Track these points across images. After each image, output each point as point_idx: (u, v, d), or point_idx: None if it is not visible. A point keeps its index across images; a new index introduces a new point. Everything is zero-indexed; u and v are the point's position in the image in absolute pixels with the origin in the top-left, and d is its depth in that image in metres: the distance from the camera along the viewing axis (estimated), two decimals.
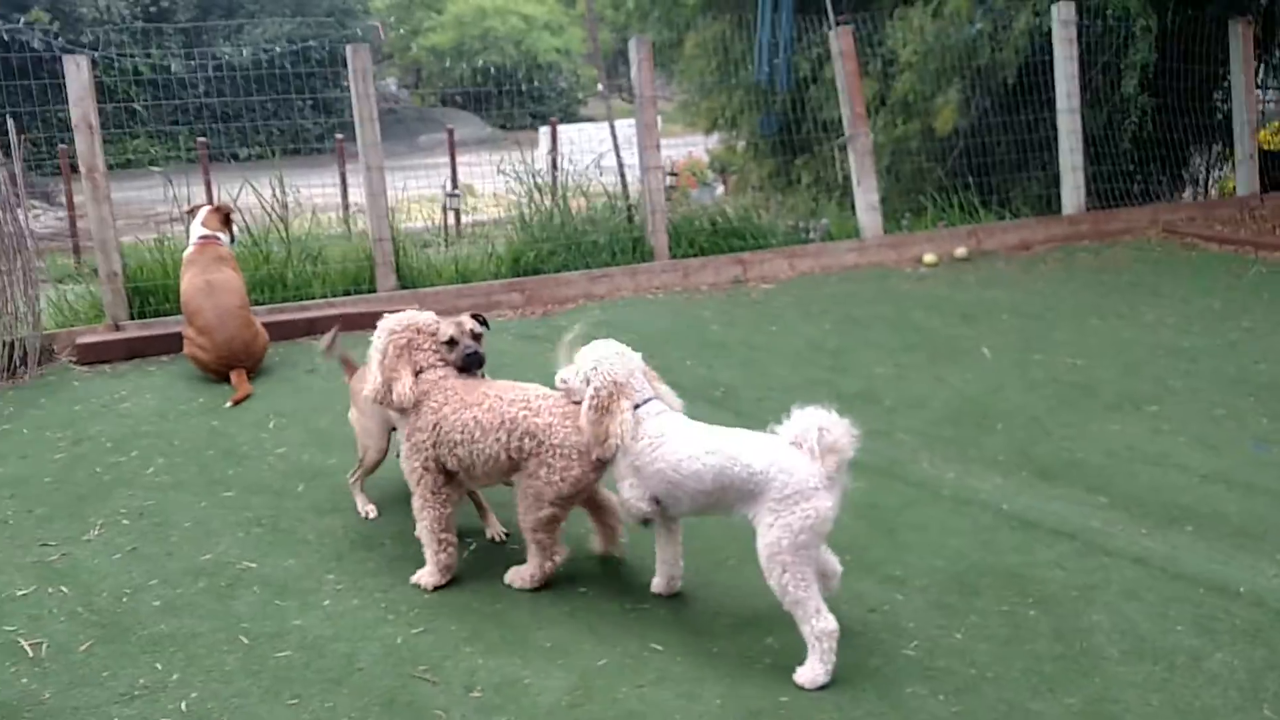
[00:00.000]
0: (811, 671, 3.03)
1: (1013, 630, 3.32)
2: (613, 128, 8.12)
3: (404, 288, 6.86)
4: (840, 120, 8.91)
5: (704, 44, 11.15)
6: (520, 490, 3.51)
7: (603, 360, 3.39)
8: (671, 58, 12.65)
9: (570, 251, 7.31)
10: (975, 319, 6.64)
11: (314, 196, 9.16)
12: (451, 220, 14.64)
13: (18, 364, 5.84)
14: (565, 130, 23.87)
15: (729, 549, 3.81)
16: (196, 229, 5.87)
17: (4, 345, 5.81)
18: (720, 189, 19.34)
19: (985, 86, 8.87)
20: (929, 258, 7.96)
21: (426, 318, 3.76)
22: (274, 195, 7.14)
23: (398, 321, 3.71)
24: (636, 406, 3.34)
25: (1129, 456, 4.68)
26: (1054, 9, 8.42)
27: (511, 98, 35.95)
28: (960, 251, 8.08)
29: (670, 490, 3.27)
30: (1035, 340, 6.22)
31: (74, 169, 14.72)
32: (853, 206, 8.39)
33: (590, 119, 35.60)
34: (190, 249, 5.83)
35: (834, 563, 3.32)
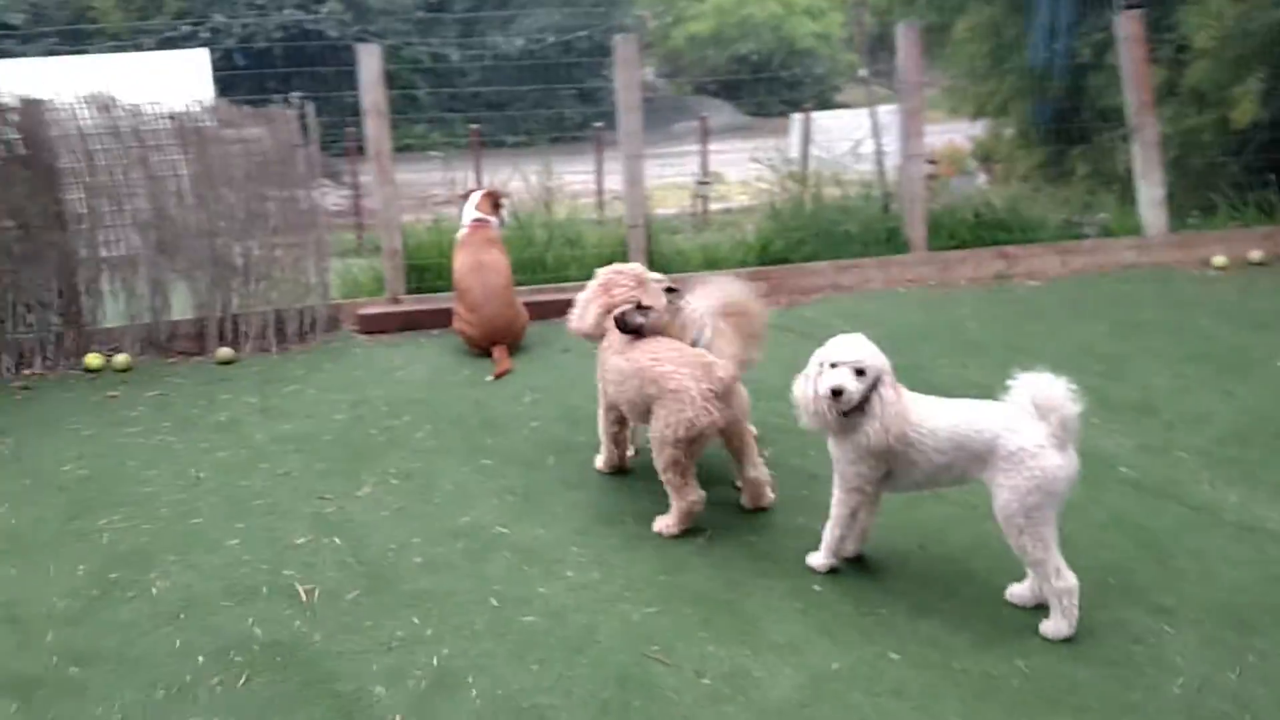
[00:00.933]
0: (1055, 625, 3.21)
1: None
2: (874, 114, 7.91)
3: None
4: (1122, 109, 8.31)
5: (976, 28, 10.67)
6: (651, 435, 3.87)
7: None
8: (938, 41, 12.18)
9: (820, 240, 7.18)
10: (1270, 328, 6.03)
11: (573, 183, 9.48)
12: (701, 207, 14.81)
13: (308, 330, 6.39)
14: (820, 117, 23.53)
15: (976, 561, 3.65)
16: (470, 212, 6.20)
17: (297, 312, 6.37)
18: (982, 178, 18.54)
19: None
20: (1219, 260, 7.28)
21: (634, 269, 4.39)
22: (539, 182, 7.43)
23: (614, 267, 4.40)
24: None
25: None
26: None
27: (765, 85, 35.85)
28: (1255, 255, 7.34)
29: (905, 455, 3.32)
30: None
31: (359, 151, 15.93)
32: (1134, 201, 7.80)
33: (846, 105, 35.01)
34: (463, 230, 6.18)
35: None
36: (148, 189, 6.13)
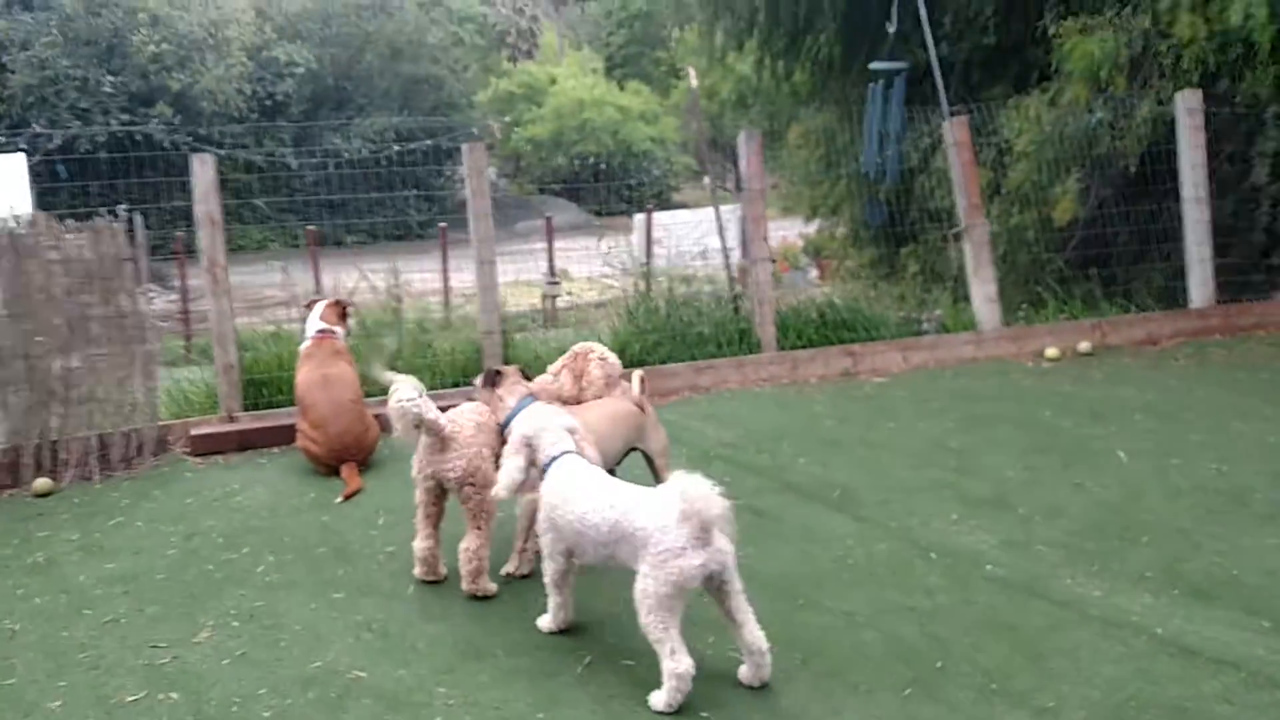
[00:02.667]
0: (659, 697, 3.35)
1: None
2: (719, 216, 8.05)
3: None
4: (948, 209, 8.73)
5: (808, 134, 11.11)
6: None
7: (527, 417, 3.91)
8: (772, 144, 12.65)
9: (675, 342, 7.19)
10: (1106, 418, 6.30)
11: (417, 282, 9.27)
12: (550, 306, 14.78)
13: (134, 454, 5.91)
14: (659, 217, 24.08)
15: (858, 674, 3.56)
16: (314, 323, 5.91)
17: (123, 435, 5.89)
18: (814, 273, 19.26)
19: (1105, 175, 8.59)
20: (1051, 352, 7.64)
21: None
22: (387, 286, 7.20)
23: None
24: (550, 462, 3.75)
25: None
26: (1178, 97, 8.15)
27: (606, 185, 36.71)
28: (1084, 346, 7.73)
29: (578, 541, 3.62)
30: (1173, 443, 5.85)
31: (188, 253, 15.28)
32: (966, 297, 8.14)
33: (684, 205, 36.04)
34: (307, 342, 5.88)
35: (758, 640, 3.44)
36: None
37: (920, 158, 9.70)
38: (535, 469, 3.79)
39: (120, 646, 3.89)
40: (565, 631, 3.88)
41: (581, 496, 3.58)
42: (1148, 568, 4.39)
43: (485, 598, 4.16)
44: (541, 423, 3.83)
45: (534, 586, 4.13)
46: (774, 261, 14.15)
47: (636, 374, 4.74)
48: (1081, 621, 3.96)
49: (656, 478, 4.60)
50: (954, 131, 7.81)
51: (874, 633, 3.88)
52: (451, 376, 6.81)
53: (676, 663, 3.29)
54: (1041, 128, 8.56)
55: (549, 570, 3.78)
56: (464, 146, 6.81)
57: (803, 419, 6.45)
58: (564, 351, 6.92)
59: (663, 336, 7.19)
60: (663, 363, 7.05)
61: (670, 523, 3.29)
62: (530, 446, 3.78)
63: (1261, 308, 8.33)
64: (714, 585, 3.39)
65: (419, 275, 10.56)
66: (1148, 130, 8.34)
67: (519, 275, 14.30)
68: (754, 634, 3.42)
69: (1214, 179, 8.24)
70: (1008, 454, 5.75)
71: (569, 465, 3.71)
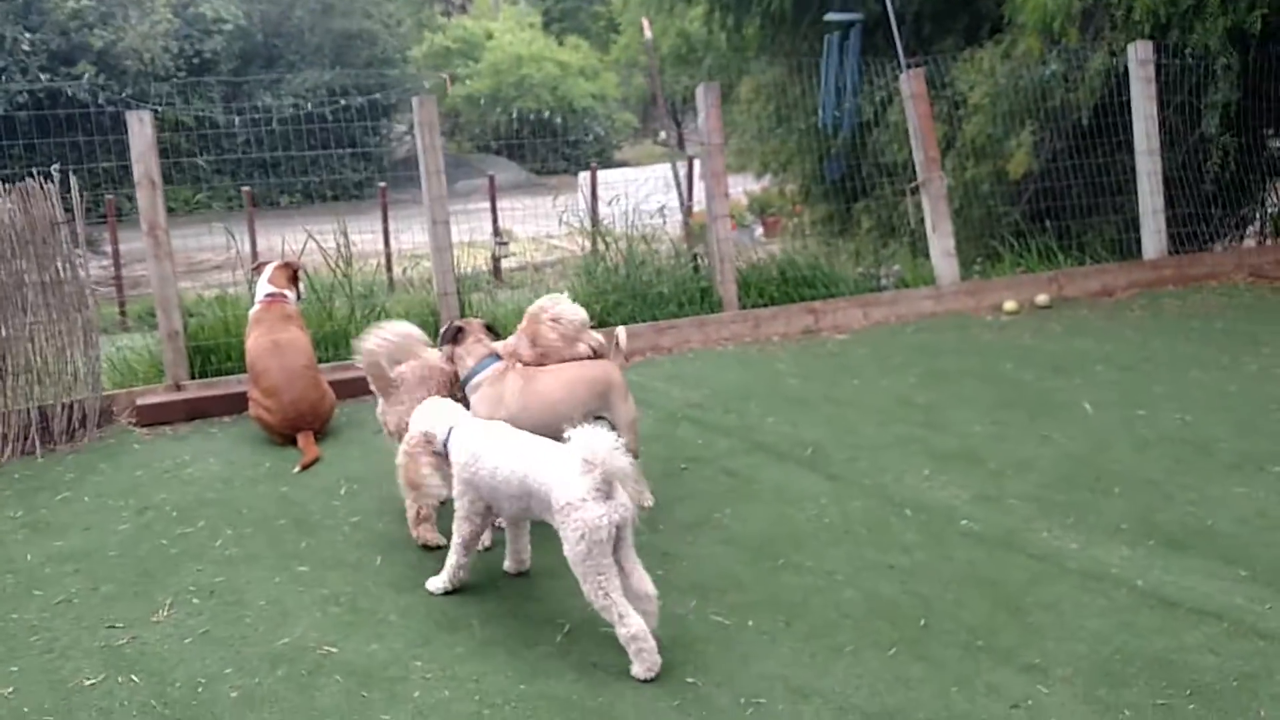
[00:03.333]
0: (635, 668, 3.30)
1: None
2: (675, 171, 7.92)
3: None
4: (903, 164, 8.68)
5: (760, 89, 10.97)
6: None
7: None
8: (722, 99, 12.49)
9: (636, 302, 7.06)
10: (1068, 371, 6.31)
11: (355, 244, 8.96)
12: (497, 267, 14.54)
13: (77, 426, 5.66)
14: (605, 175, 23.82)
15: (842, 634, 3.50)
16: (263, 286, 5.69)
17: (63, 407, 5.63)
18: (759, 230, 19.17)
19: (1058, 128, 8.58)
20: (1010, 305, 7.65)
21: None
22: (337, 248, 6.95)
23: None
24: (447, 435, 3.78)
25: (1262, 524, 4.31)
26: (1130, 48, 8.14)
27: (548, 143, 36.25)
28: (1042, 299, 7.75)
29: (494, 496, 3.65)
30: (1136, 394, 5.88)
31: (119, 216, 14.73)
32: (924, 253, 8.11)
33: (626, 163, 35.72)
34: (256, 307, 5.65)
35: (646, 586, 3.41)
36: None
37: (874, 111, 9.61)
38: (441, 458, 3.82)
39: (75, 627, 3.71)
40: (465, 588, 3.86)
41: (492, 452, 3.61)
42: (1122, 519, 4.39)
43: (433, 548, 4.14)
44: (428, 413, 3.88)
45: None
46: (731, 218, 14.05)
47: (621, 331, 4.57)
48: (1061, 575, 3.94)
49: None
50: (911, 84, 7.72)
51: (855, 591, 3.83)
52: None
53: (626, 626, 3.26)
54: (995, 80, 8.51)
55: (461, 530, 3.74)
56: (414, 100, 6.57)
57: (768, 377, 6.38)
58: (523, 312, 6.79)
59: (623, 296, 7.07)
60: (624, 323, 6.91)
61: (572, 476, 3.30)
62: (428, 440, 3.81)
63: (1212, 258, 8.42)
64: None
65: (359, 237, 10.25)
66: (1100, 82, 8.33)
67: (461, 236, 14.03)
68: (642, 581, 3.40)
69: (1163, 130, 8.27)
70: (974, 409, 5.74)
71: (469, 427, 3.78)
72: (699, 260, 7.49)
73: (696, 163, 21.68)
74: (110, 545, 4.36)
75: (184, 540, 4.40)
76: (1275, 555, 4.03)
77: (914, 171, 8.92)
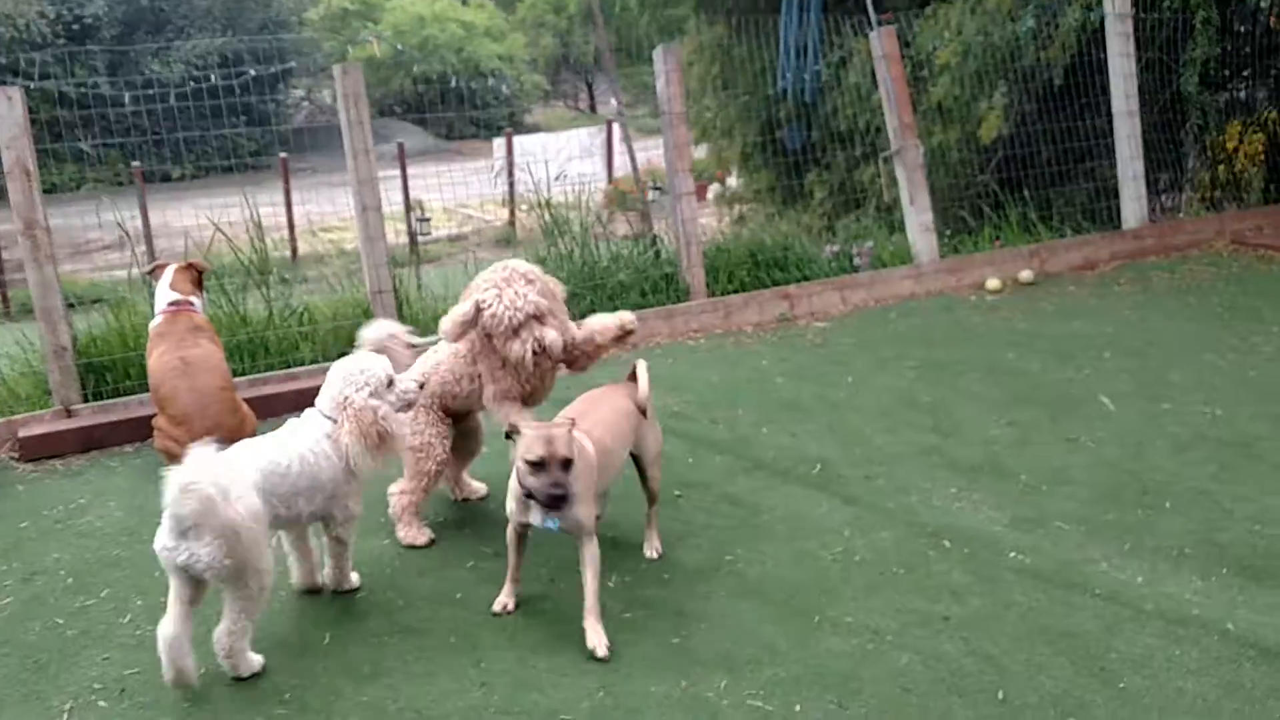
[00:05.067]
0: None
1: None
2: (628, 139, 7.18)
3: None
4: (865, 129, 8.09)
5: (700, 49, 10.23)
6: None
7: None
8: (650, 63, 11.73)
9: (595, 293, 6.32)
10: (1074, 359, 5.79)
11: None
12: (413, 242, 13.60)
13: None
14: (522, 141, 22.83)
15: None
16: (164, 293, 4.80)
17: None
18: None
19: (1029, 89, 8.04)
20: (993, 283, 7.11)
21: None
22: (250, 235, 6.03)
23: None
24: None
25: None
26: (1106, 2, 7.61)
27: (453, 107, 34.91)
28: (1025, 275, 7.23)
29: None
30: (1153, 384, 5.38)
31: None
32: (891, 226, 7.53)
33: (537, 127, 34.64)
34: (158, 319, 4.76)
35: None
36: None
37: (830, 74, 8.96)
38: None
39: None
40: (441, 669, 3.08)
41: None
42: (1182, 542, 3.86)
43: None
44: None
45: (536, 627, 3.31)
46: (660, 189, 13.31)
47: (642, 365, 3.77)
48: (1138, 620, 3.39)
49: (647, 487, 3.79)
50: (882, 43, 7.06)
51: (912, 656, 3.21)
52: (336, 347, 5.78)
53: None
54: (964, 38, 7.92)
55: None
56: (336, 69, 5.70)
57: (750, 377, 5.73)
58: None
59: (580, 287, 6.30)
60: (582, 317, 6.14)
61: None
62: None
63: (1194, 225, 7.99)
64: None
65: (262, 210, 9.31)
66: (1074, 39, 7.80)
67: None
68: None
69: (1141, 90, 7.79)
70: (985, 407, 5.17)
71: None
72: (658, 244, 6.77)
73: (615, 127, 20.96)
74: None
75: (84, 616, 3.58)
76: None
77: (873, 138, 8.35)
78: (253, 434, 4.76)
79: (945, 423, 4.99)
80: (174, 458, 4.53)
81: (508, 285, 3.74)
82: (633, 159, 7.20)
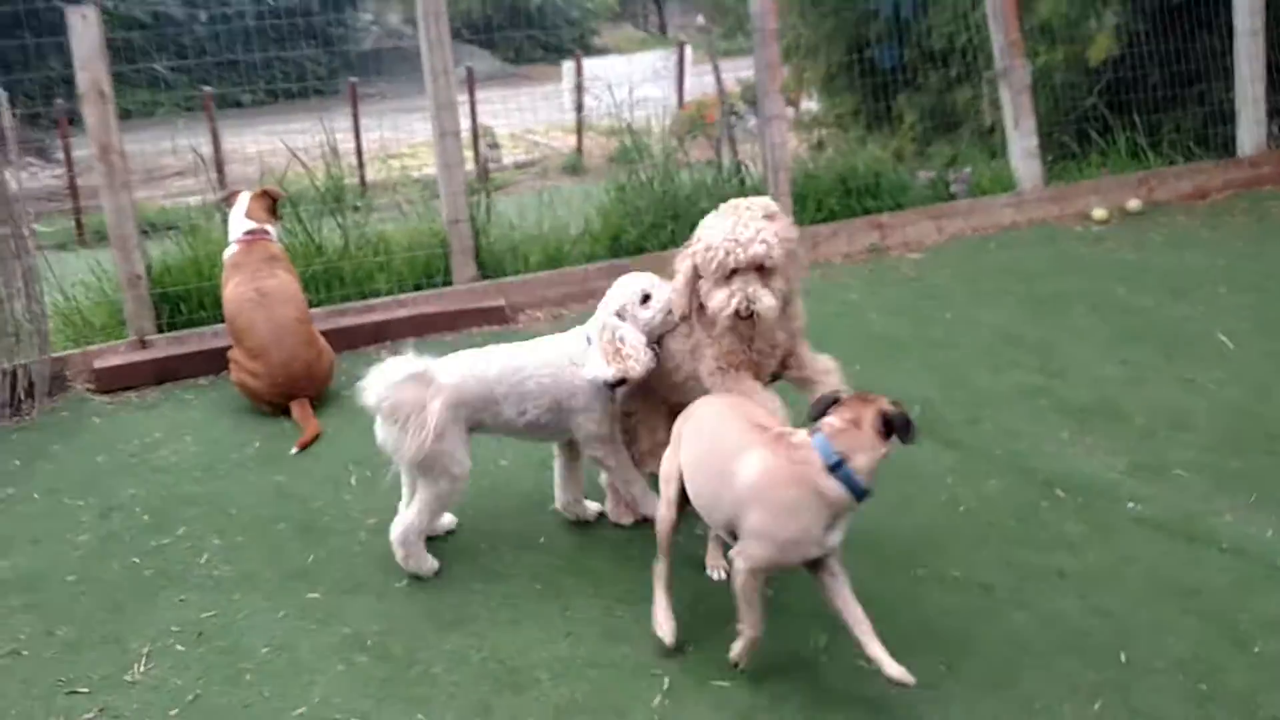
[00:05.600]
0: None
1: None
2: (715, 58, 6.90)
3: (486, 277, 5.67)
4: (963, 49, 7.65)
5: None
6: None
7: None
8: None
9: (678, 223, 6.06)
10: (1187, 294, 5.42)
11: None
12: (483, 171, 13.39)
13: (22, 397, 4.70)
14: (592, 65, 22.36)
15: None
16: (239, 222, 4.68)
17: (6, 374, 4.66)
18: (752, 121, 17.95)
19: (1140, 6, 7.50)
20: (1099, 213, 6.69)
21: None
22: (325, 163, 5.87)
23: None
24: None
25: None
26: None
27: (521, 30, 34.26)
28: (1133, 204, 6.80)
29: None
30: (1274, 322, 5.02)
31: (70, 121, 13.42)
32: (991, 152, 7.13)
33: (605, 50, 33.92)
34: (234, 248, 4.65)
35: None
36: None
37: None
38: None
39: (24, 696, 2.83)
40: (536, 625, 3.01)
41: None
42: None
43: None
44: None
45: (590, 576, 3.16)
46: (736, 114, 12.88)
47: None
48: (1271, 578, 3.13)
49: None
50: None
51: (1026, 614, 3.00)
52: (412, 278, 5.64)
53: None
54: None
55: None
56: None
57: (842, 312, 5.45)
58: (553, 247, 5.80)
59: (661, 217, 6.06)
60: (663, 249, 5.89)
61: None
62: None
63: None
64: None
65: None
66: None
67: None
68: None
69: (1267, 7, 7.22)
70: (1095, 345, 4.85)
71: None
72: (743, 171, 6.48)
73: (688, 50, 20.40)
74: (68, 565, 3.46)
75: (160, 555, 3.50)
76: None
77: (972, 58, 7.90)
78: (330, 369, 4.66)
79: (1052, 362, 4.70)
80: (249, 392, 4.48)
81: (736, 215, 3.02)
82: (718, 80, 6.88)
